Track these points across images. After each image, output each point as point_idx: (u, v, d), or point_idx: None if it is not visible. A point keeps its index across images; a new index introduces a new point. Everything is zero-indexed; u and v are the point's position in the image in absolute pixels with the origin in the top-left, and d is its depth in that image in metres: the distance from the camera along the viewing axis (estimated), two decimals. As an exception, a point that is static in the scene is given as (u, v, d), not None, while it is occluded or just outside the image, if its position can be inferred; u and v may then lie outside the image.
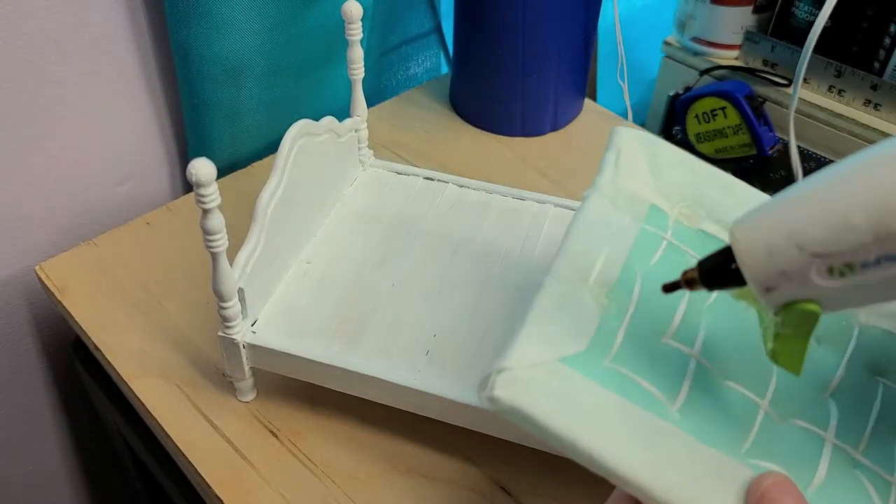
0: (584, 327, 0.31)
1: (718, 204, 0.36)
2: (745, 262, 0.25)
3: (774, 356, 0.27)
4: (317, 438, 0.45)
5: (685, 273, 0.28)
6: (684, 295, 0.33)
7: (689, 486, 0.27)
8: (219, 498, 0.42)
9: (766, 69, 0.71)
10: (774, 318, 0.26)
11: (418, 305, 0.46)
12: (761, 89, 0.71)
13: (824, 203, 0.23)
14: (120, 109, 0.60)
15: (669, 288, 0.29)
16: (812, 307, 0.25)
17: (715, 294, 0.33)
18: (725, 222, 0.36)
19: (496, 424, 0.40)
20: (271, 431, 0.45)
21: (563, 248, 0.33)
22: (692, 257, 0.34)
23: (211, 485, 0.42)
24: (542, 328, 0.30)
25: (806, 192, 0.24)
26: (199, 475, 0.43)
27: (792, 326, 0.26)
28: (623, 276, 0.33)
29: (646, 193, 0.36)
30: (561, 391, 0.28)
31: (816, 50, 0.64)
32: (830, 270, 0.24)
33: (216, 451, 0.44)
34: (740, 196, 0.37)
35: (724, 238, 0.35)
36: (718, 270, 0.27)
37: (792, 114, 0.65)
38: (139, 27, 0.58)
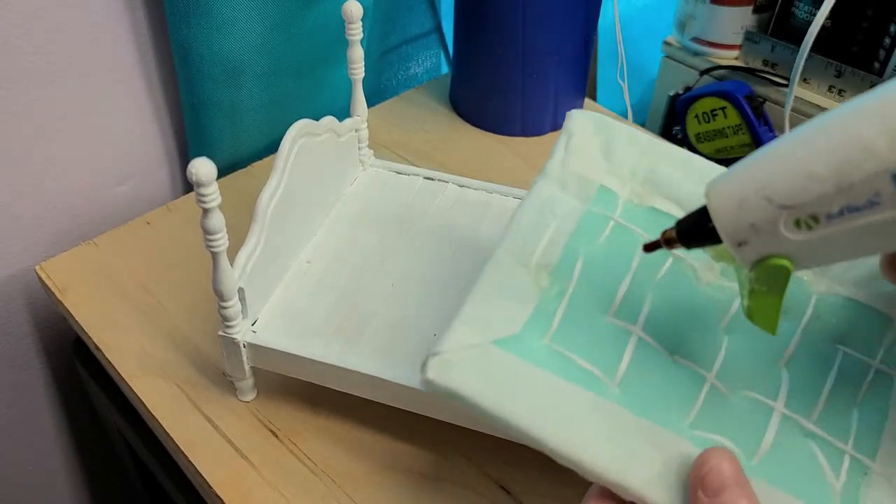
0: (520, 310, 0.31)
1: (672, 180, 0.36)
2: (718, 216, 0.26)
3: (750, 314, 0.28)
4: (317, 438, 0.45)
5: (664, 232, 0.29)
6: (627, 272, 0.33)
7: (620, 458, 0.28)
8: (219, 497, 0.42)
9: (766, 69, 0.72)
10: (749, 274, 0.27)
11: (418, 305, 0.46)
12: (761, 89, 0.71)
13: (790, 158, 0.25)
14: (120, 109, 0.60)
15: (650, 247, 0.30)
16: (784, 262, 0.26)
17: (664, 269, 0.34)
18: (678, 197, 0.36)
19: (496, 424, 0.40)
20: (271, 431, 0.45)
21: (506, 233, 0.34)
22: (640, 235, 0.34)
23: (211, 484, 0.42)
24: (478, 313, 0.31)
25: (773, 150, 0.25)
26: (200, 475, 0.43)
27: (766, 283, 0.27)
28: (564, 257, 0.33)
29: (597, 175, 0.37)
30: (492, 372, 0.29)
31: (817, 50, 0.64)
32: (797, 223, 0.25)
33: (216, 450, 0.44)
34: (695, 170, 0.37)
35: (677, 213, 0.35)
36: (695, 228, 0.28)
37: (787, 112, 0.65)
38: (139, 27, 0.58)
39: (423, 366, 0.30)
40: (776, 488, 0.28)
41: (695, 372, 0.31)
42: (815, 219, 0.24)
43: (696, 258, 0.34)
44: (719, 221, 0.26)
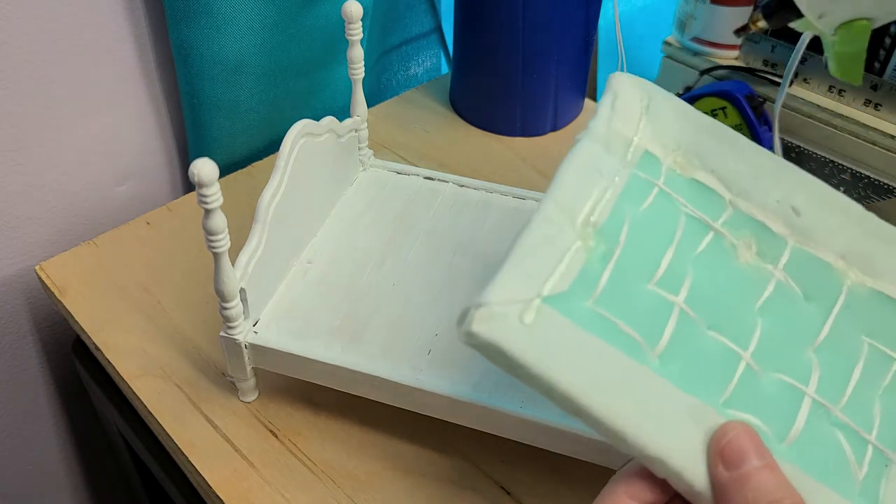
0: (567, 268, 0.30)
1: (715, 153, 0.36)
2: None
3: (836, 72, 0.31)
4: (317, 438, 0.45)
5: (752, 16, 0.33)
6: (671, 242, 0.32)
7: (661, 431, 0.27)
8: (219, 498, 0.42)
9: (766, 69, 0.72)
10: (833, 38, 0.30)
11: (419, 305, 0.46)
12: (761, 89, 0.71)
13: None
14: (120, 109, 0.60)
15: (740, 30, 0.34)
16: (862, 22, 0.29)
17: (705, 243, 0.33)
18: (721, 173, 0.35)
19: (498, 424, 0.40)
20: (271, 431, 0.45)
21: (551, 188, 0.33)
22: (682, 205, 0.34)
23: (211, 484, 0.42)
24: (525, 266, 0.29)
25: None
26: (199, 475, 0.43)
27: (848, 43, 0.30)
28: (611, 219, 0.32)
29: (641, 139, 0.36)
30: (539, 329, 0.28)
31: (817, 49, 0.64)
32: None
33: (216, 450, 0.44)
34: (739, 147, 0.36)
35: (718, 188, 0.35)
36: (781, 6, 0.32)
37: (777, 110, 0.65)
38: (139, 27, 0.58)
39: (464, 317, 0.28)
40: (805, 473, 0.28)
41: (731, 350, 0.30)
42: None
43: (736, 236, 0.33)
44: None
